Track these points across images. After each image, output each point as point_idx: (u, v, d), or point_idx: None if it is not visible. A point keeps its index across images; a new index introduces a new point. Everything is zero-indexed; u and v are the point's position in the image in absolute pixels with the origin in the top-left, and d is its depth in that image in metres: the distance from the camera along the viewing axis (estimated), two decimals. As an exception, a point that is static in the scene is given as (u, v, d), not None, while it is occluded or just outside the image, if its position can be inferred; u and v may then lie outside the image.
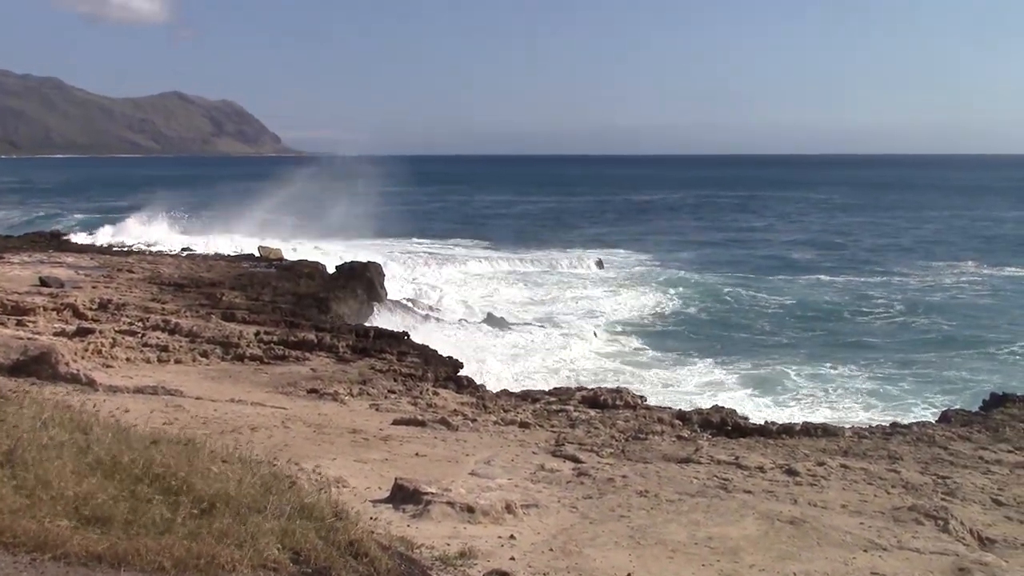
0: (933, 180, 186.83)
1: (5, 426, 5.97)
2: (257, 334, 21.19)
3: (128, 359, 17.89)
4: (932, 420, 18.03)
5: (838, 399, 24.10)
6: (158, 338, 19.83)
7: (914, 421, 17.67)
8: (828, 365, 27.88)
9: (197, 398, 14.45)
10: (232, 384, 16.83)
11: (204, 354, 19.18)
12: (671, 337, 32.69)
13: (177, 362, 18.35)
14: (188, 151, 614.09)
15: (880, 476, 11.96)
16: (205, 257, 38.58)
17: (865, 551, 8.71)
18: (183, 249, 43.60)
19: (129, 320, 21.33)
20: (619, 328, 33.83)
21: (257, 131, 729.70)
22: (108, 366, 16.97)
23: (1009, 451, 13.95)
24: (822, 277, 48.46)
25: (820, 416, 21.10)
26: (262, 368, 18.73)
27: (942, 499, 10.89)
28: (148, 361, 18.09)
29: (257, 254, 41.53)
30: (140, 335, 19.93)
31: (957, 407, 19.56)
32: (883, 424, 17.40)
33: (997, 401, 18.26)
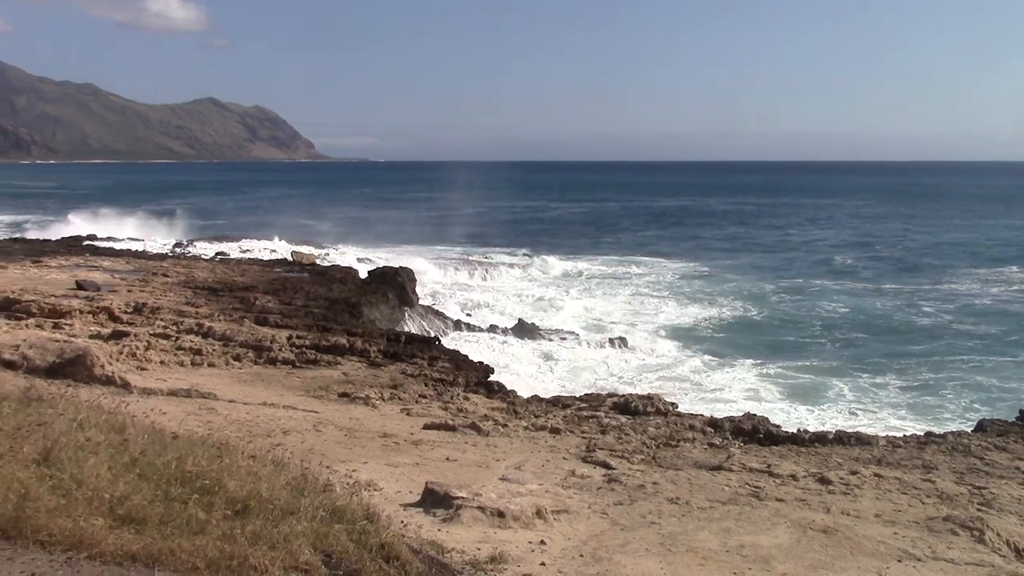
0: (965, 187, 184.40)
1: (42, 427, 6.04)
2: (289, 338, 21.32)
3: (162, 362, 18.06)
4: (968, 430, 17.80)
5: (879, 408, 23.84)
6: (192, 341, 20.01)
7: (949, 431, 17.45)
8: (872, 374, 27.67)
9: (230, 401, 14.54)
10: (264, 387, 16.94)
11: (237, 358, 19.33)
12: (714, 343, 32.37)
13: (210, 365, 18.51)
14: (223, 157, 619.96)
15: (915, 486, 11.83)
16: (239, 262, 38.90)
17: (899, 561, 8.62)
18: (217, 254, 43.98)
19: (163, 324, 21.53)
20: (662, 334, 33.60)
21: (290, 137, 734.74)
22: (142, 369, 17.14)
23: (1047, 462, 13.76)
24: (868, 285, 48.14)
25: (864, 425, 20.81)
26: (294, 372, 18.85)
27: (978, 509, 10.75)
28: (182, 364, 18.26)
29: (291, 259, 41.82)
30: (174, 338, 20.12)
31: (995, 417, 19.31)
32: (917, 433, 17.22)
33: (1035, 411, 18.01)
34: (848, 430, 17.14)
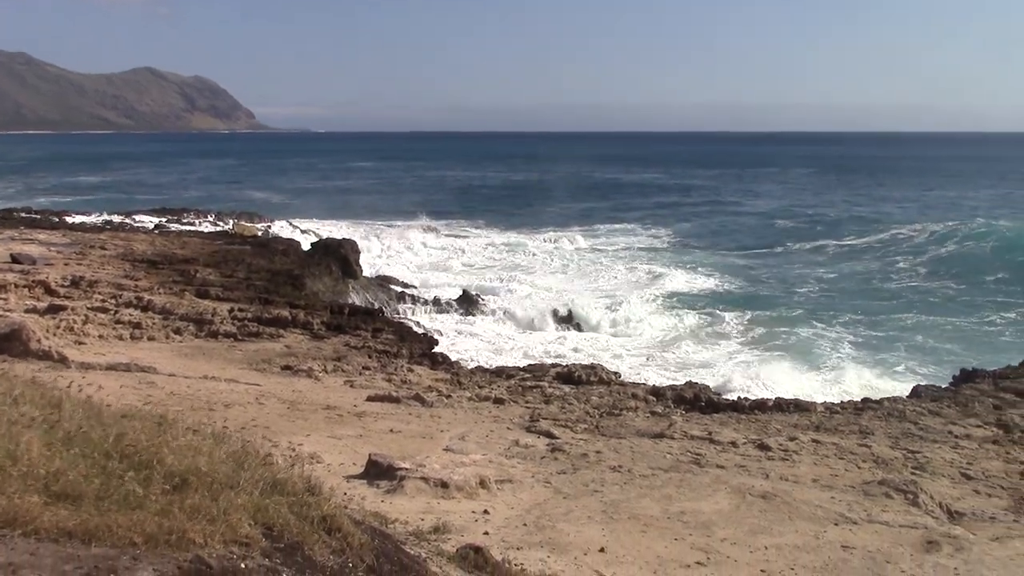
0: (912, 158, 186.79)
1: (-26, 403, 5.92)
2: (231, 311, 21.10)
3: (100, 336, 17.78)
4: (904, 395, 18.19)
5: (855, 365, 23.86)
6: (131, 315, 19.72)
7: (886, 397, 17.80)
8: (837, 331, 28.24)
9: (170, 375, 14.38)
10: (206, 361, 16.77)
11: (177, 331, 19.10)
12: (675, 312, 31.52)
13: (150, 339, 18.26)
14: (161, 127, 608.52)
15: (851, 451, 12.10)
16: (179, 234, 38.29)
17: (836, 524, 8.81)
18: (156, 226, 43.28)
19: (101, 297, 21.18)
20: (611, 305, 33.24)
21: (231, 107, 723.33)
22: (80, 343, 16.85)
23: (978, 426, 14.14)
24: (838, 241, 49.57)
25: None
26: (236, 345, 18.68)
27: (912, 473, 11.03)
28: (121, 338, 17.99)
29: (232, 231, 41.32)
30: (112, 312, 19.81)
31: (927, 383, 19.72)
32: (855, 399, 17.56)
33: (967, 376, 18.49)
34: (786, 397, 17.43)
